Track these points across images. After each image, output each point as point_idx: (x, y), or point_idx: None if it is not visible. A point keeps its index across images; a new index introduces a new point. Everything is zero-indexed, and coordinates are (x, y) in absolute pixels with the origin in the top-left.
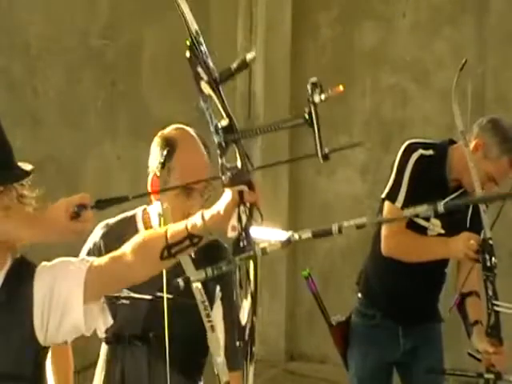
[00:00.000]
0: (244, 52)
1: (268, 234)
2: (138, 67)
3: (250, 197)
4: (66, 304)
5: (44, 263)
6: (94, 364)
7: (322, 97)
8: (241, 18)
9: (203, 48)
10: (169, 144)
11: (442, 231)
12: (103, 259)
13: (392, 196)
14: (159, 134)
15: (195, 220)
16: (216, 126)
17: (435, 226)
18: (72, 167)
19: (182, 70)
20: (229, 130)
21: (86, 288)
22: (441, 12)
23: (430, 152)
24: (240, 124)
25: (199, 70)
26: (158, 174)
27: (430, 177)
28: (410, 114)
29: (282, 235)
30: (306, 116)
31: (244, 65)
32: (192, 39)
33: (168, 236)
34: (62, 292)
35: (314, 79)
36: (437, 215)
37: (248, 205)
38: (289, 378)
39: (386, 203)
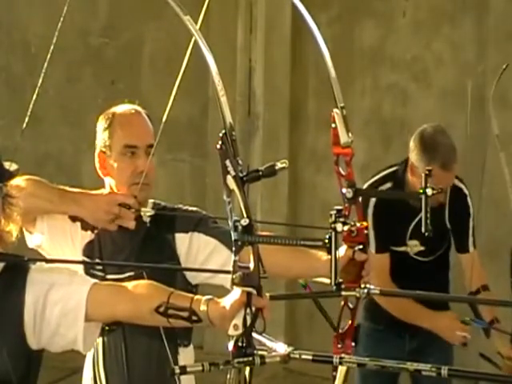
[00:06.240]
0: (244, 52)
1: (268, 343)
2: (138, 66)
3: (257, 302)
4: (65, 316)
5: (39, 264)
6: None
7: (345, 227)
8: (241, 17)
9: (235, 143)
10: (107, 115)
11: (422, 248)
12: (104, 283)
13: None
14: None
15: (201, 303)
16: (235, 223)
17: (413, 246)
18: (72, 165)
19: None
20: (248, 230)
21: (87, 305)
22: (441, 11)
23: (388, 185)
24: (240, 123)
25: (228, 163)
26: (104, 149)
27: (393, 209)
28: (409, 113)
29: (282, 347)
30: (326, 240)
31: (273, 172)
32: (226, 132)
33: (171, 296)
34: (59, 300)
35: (338, 207)
36: (412, 236)
37: (254, 309)
38: (288, 376)
39: None
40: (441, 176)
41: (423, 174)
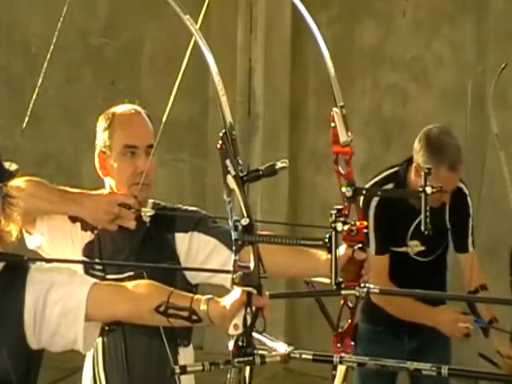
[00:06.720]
0: (244, 52)
1: (268, 343)
2: (138, 66)
3: (257, 301)
4: (65, 316)
5: (39, 263)
6: None
7: (345, 227)
8: (241, 17)
9: (235, 143)
10: (107, 115)
11: (423, 248)
12: (104, 283)
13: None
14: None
15: (201, 303)
16: (235, 222)
17: (413, 246)
18: (72, 165)
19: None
20: (248, 230)
21: (87, 305)
22: (441, 11)
23: (390, 186)
24: (240, 123)
25: (228, 162)
26: (104, 149)
27: (395, 210)
28: (409, 113)
29: (282, 347)
30: (326, 240)
31: (273, 171)
32: (226, 131)
33: (171, 296)
34: (59, 300)
35: (338, 207)
36: (412, 237)
37: (254, 309)
38: (288, 376)
39: None
40: (448, 177)
41: (423, 173)
